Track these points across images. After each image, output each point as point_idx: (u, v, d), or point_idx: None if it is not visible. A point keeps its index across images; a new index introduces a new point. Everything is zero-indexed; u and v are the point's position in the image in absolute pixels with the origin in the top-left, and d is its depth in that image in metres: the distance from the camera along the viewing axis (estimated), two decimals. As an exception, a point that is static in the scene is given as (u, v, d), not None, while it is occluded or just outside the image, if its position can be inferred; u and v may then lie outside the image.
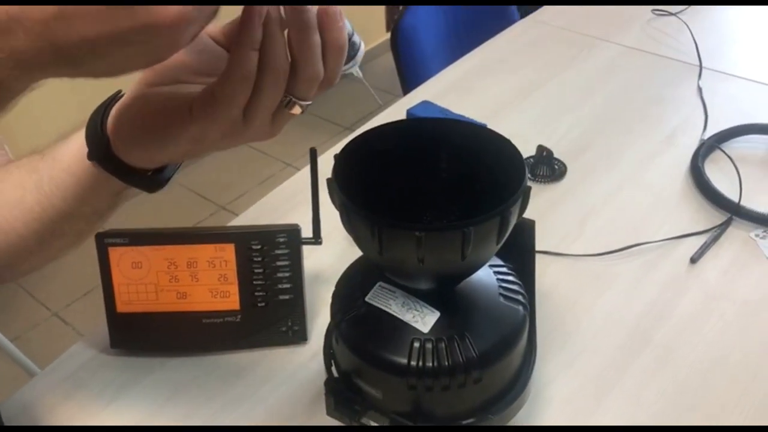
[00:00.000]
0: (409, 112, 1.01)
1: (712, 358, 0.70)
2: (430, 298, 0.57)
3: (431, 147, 0.60)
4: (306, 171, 0.99)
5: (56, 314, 1.93)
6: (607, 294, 0.77)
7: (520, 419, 0.62)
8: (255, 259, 0.71)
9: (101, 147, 0.48)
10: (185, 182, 2.41)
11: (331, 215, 0.74)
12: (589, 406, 0.66)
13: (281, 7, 0.40)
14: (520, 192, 0.50)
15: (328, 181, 0.53)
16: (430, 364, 0.54)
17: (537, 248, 0.66)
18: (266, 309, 0.72)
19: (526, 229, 0.64)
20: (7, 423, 0.69)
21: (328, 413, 0.60)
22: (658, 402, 0.66)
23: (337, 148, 0.93)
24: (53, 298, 1.98)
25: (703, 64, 1.16)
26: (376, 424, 0.58)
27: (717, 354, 0.70)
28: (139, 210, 2.32)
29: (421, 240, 0.48)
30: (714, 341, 0.72)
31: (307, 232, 0.73)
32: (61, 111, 2.10)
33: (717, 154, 0.96)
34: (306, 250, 0.73)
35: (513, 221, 0.51)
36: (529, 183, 0.53)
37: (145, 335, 0.73)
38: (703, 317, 0.74)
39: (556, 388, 0.68)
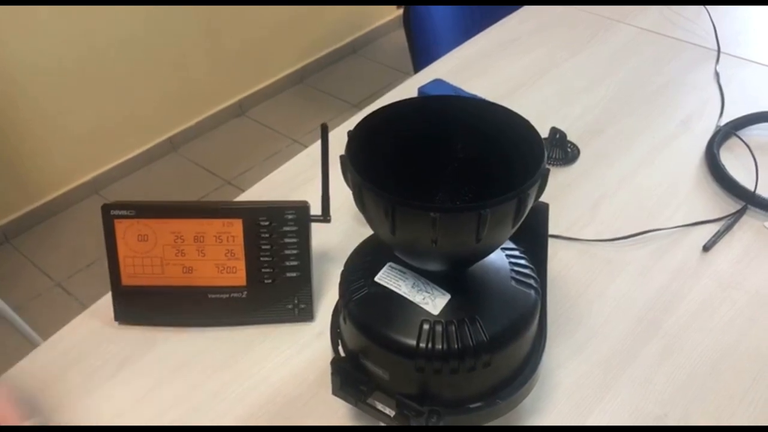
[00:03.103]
0: (420, 90, 0.99)
1: (722, 347, 0.69)
2: (441, 280, 0.56)
3: (446, 125, 0.58)
4: (312, 148, 0.98)
5: (59, 284, 1.93)
6: (618, 280, 0.76)
7: (527, 404, 0.61)
8: (263, 235, 0.70)
9: None
10: (191, 156, 2.40)
11: (338, 193, 0.73)
12: (597, 392, 0.66)
13: None
14: (539, 174, 0.49)
15: (342, 158, 0.52)
16: (440, 347, 0.53)
17: (549, 232, 0.65)
18: (273, 286, 0.71)
19: (540, 213, 0.63)
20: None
21: (334, 393, 0.59)
22: (667, 390, 0.66)
23: (345, 125, 0.92)
24: (56, 267, 1.97)
25: (722, 49, 1.14)
26: (381, 405, 0.57)
27: (727, 343, 0.70)
28: (144, 182, 2.34)
29: (436, 221, 0.47)
30: (724, 330, 0.71)
31: (314, 209, 0.72)
32: (75, 112, 2.09)
33: (733, 141, 0.95)
34: (313, 228, 0.72)
35: (530, 204, 0.50)
36: (545, 165, 0.52)
37: (150, 309, 0.73)
38: (714, 306, 0.74)
39: (564, 373, 0.67)
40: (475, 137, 0.58)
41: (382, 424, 0.58)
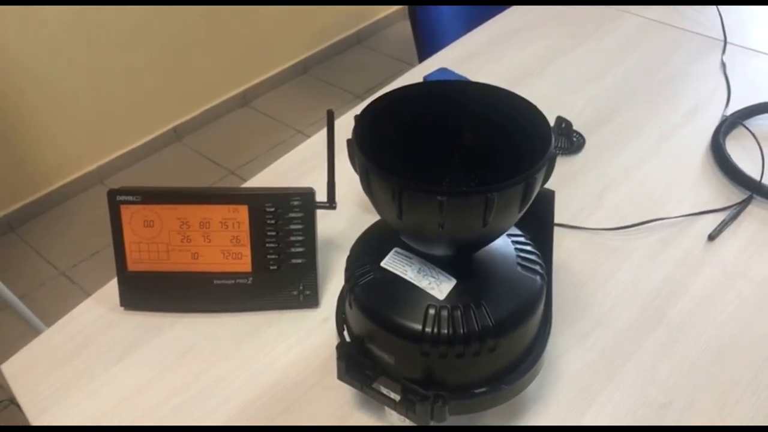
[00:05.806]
0: (425, 78, 0.99)
1: (727, 336, 0.69)
2: (447, 266, 0.56)
3: (453, 111, 0.58)
4: (315, 138, 0.98)
5: (63, 273, 1.93)
6: (623, 268, 0.76)
7: (532, 390, 0.62)
8: (268, 221, 0.70)
9: None
10: (195, 146, 2.40)
11: (343, 181, 0.73)
12: (601, 379, 0.66)
13: None
14: (546, 158, 0.49)
15: (348, 141, 0.52)
16: (445, 331, 0.53)
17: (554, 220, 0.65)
18: (278, 272, 0.72)
19: (546, 200, 0.63)
20: (11, 379, 0.69)
21: (339, 377, 0.59)
22: (671, 378, 0.66)
23: (349, 115, 0.91)
24: (60, 256, 1.98)
25: (728, 40, 1.13)
26: (386, 390, 0.58)
27: (732, 332, 0.70)
28: (148, 172, 2.34)
29: (443, 204, 0.47)
30: (729, 319, 0.71)
31: (319, 197, 0.72)
32: (80, 101, 2.09)
33: (739, 131, 0.94)
34: (318, 215, 0.72)
35: (537, 188, 0.50)
36: (552, 151, 0.51)
37: (156, 294, 0.73)
38: (719, 295, 0.73)
39: (569, 361, 0.67)
40: (482, 122, 0.58)
41: (387, 408, 0.58)
